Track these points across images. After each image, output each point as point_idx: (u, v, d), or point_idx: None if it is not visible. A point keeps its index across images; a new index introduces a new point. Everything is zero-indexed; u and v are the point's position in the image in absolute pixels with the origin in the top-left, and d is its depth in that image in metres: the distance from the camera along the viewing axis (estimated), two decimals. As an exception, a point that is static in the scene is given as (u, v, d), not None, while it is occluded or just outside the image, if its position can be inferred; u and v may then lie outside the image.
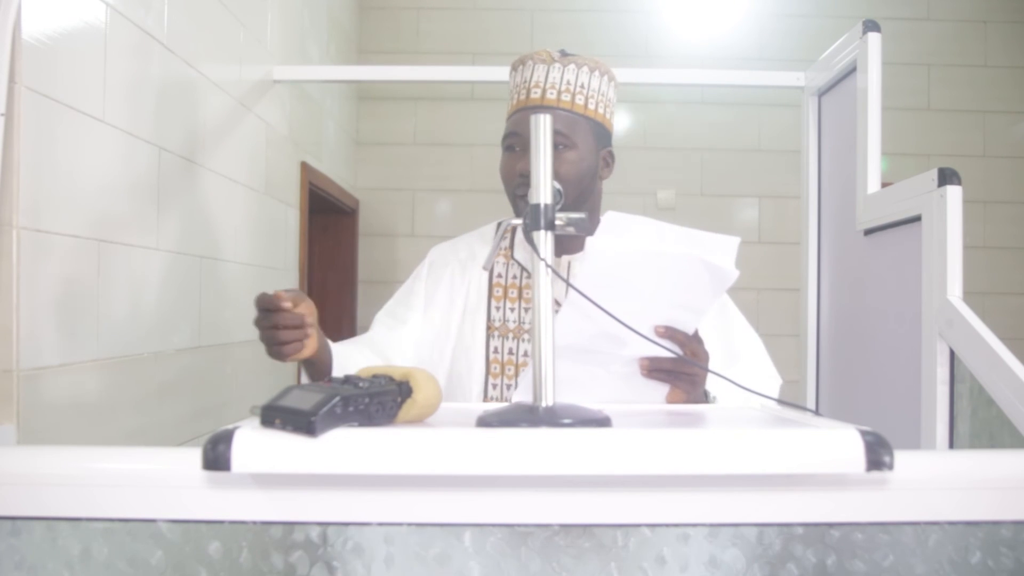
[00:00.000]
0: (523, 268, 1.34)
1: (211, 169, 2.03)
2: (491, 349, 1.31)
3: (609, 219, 0.87)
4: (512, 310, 1.33)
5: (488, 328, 1.32)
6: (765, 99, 3.64)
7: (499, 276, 1.35)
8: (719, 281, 0.94)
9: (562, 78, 1.29)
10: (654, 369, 1.02)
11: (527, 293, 1.32)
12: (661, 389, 1.05)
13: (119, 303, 1.56)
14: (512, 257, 1.36)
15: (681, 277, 0.94)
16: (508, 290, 1.34)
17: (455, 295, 1.36)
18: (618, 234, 0.88)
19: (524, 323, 1.31)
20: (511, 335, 1.31)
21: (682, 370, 1.02)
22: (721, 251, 0.92)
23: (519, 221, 0.85)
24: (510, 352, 1.31)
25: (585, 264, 0.89)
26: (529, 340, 1.29)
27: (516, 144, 1.28)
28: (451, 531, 0.74)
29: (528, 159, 0.82)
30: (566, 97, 1.29)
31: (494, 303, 1.34)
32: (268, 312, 1.04)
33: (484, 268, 1.29)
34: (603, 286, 0.88)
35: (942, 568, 0.75)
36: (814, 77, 2.13)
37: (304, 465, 0.68)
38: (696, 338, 1.03)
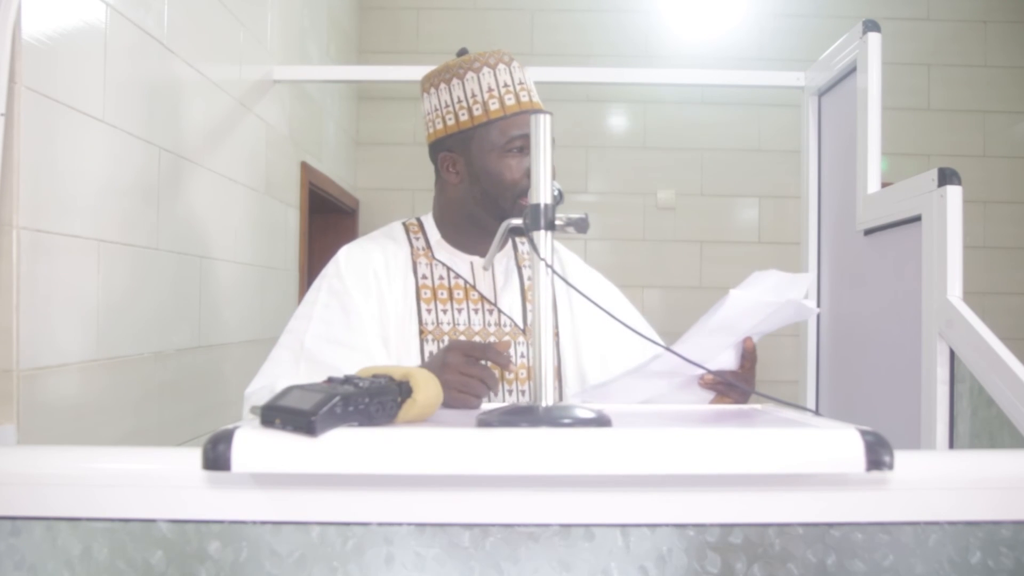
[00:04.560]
0: (449, 269, 1.30)
1: (211, 169, 2.03)
2: (426, 354, 1.24)
3: (753, 277, 1.02)
4: (444, 312, 1.27)
5: (421, 333, 1.25)
6: (765, 99, 3.64)
7: (424, 278, 1.29)
8: (801, 315, 1.12)
9: (527, 78, 1.30)
10: (717, 382, 1.12)
11: (457, 294, 1.28)
12: (707, 396, 1.15)
13: (119, 303, 1.56)
14: (434, 258, 1.31)
15: (778, 314, 1.08)
16: (437, 291, 1.28)
17: (384, 302, 1.26)
18: (751, 287, 1.02)
19: (459, 325, 1.26)
20: (446, 338, 1.25)
21: (739, 384, 1.12)
22: (805, 289, 1.09)
23: (518, 221, 0.85)
24: None
25: (722, 308, 1.00)
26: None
27: (526, 145, 1.23)
28: (451, 531, 0.74)
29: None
30: (537, 98, 1.29)
31: (424, 306, 1.27)
32: (483, 366, 1.03)
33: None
34: (727, 322, 1.03)
35: (942, 568, 0.75)
36: (814, 77, 2.13)
37: (304, 465, 0.68)
38: (755, 356, 1.15)
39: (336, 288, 1.25)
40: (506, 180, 1.25)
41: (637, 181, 3.86)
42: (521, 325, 1.30)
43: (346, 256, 1.29)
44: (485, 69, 1.26)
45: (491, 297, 1.31)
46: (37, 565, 0.73)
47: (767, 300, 1.03)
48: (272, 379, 1.18)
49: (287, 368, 1.20)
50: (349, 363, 1.14)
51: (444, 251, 1.32)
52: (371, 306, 1.24)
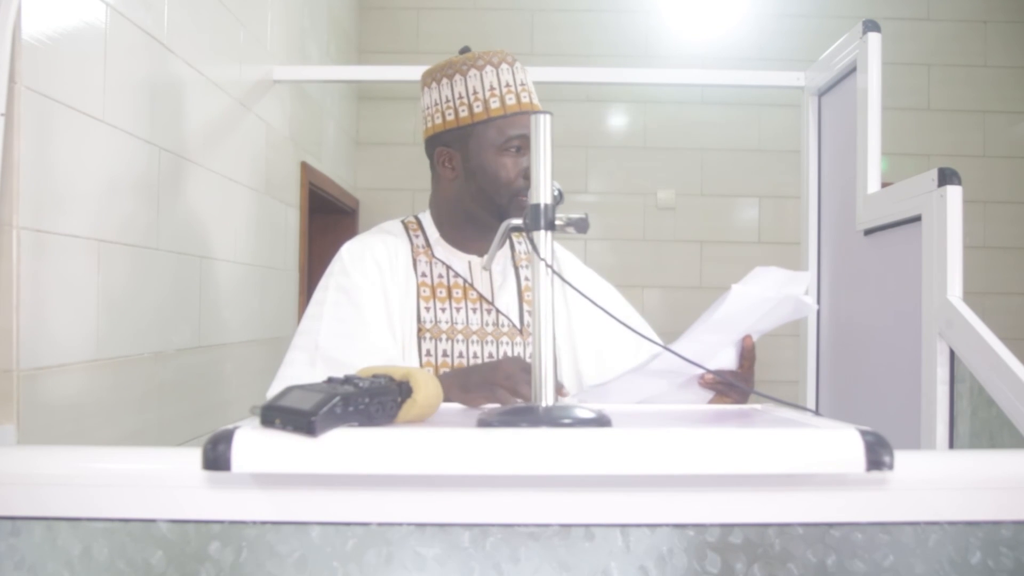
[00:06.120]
0: (448, 267, 1.30)
1: (211, 169, 2.03)
2: (423, 352, 1.25)
3: (754, 272, 1.02)
4: (443, 310, 1.27)
5: (419, 331, 1.26)
6: (765, 99, 3.64)
7: (424, 275, 1.29)
8: (800, 312, 1.12)
9: (528, 80, 1.30)
10: (716, 382, 1.11)
11: (456, 292, 1.28)
12: (706, 396, 1.14)
13: (119, 303, 1.56)
14: (434, 256, 1.31)
15: (777, 311, 1.08)
16: (436, 290, 1.28)
17: (388, 295, 1.26)
18: (753, 283, 1.02)
19: (457, 324, 1.27)
20: (444, 336, 1.26)
21: (739, 384, 1.11)
22: (805, 286, 1.09)
23: (518, 221, 0.85)
24: (444, 354, 1.25)
25: (723, 304, 1.00)
26: (463, 341, 1.26)
27: (523, 145, 1.25)
28: (451, 531, 0.74)
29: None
30: (537, 100, 1.29)
31: (423, 304, 1.27)
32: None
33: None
34: (729, 319, 1.03)
35: (942, 568, 0.75)
36: (814, 77, 2.13)
37: (304, 465, 0.68)
38: (754, 355, 1.14)
39: (344, 284, 1.25)
40: (501, 179, 1.25)
41: (637, 181, 3.85)
42: (518, 325, 1.30)
43: (349, 252, 1.29)
44: (488, 67, 1.26)
45: (488, 296, 1.31)
46: (37, 565, 0.73)
47: (768, 295, 1.03)
48: (290, 382, 1.18)
49: (304, 370, 1.19)
50: (366, 357, 1.14)
51: (443, 249, 1.32)
52: (379, 298, 1.25)
